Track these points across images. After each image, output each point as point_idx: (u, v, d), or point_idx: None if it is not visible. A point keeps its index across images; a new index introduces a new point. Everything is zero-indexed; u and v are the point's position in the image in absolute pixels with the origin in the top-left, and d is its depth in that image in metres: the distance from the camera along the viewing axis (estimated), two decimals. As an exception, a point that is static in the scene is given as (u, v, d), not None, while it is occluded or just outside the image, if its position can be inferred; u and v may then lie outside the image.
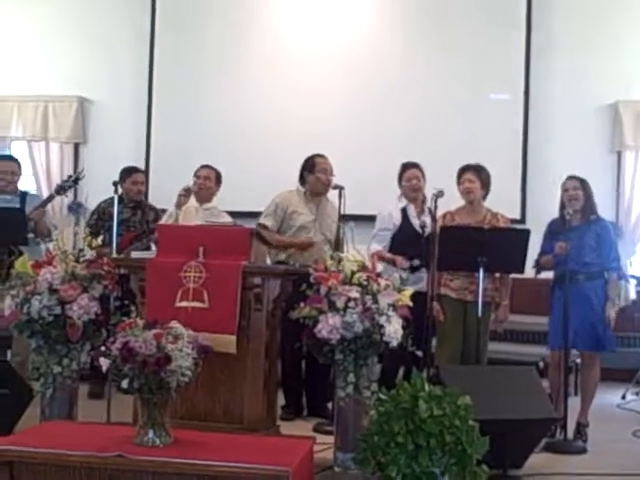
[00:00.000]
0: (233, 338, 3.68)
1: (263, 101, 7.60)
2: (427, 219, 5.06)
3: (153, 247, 4.13)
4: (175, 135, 7.76)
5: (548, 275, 5.00)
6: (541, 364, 5.61)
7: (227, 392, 3.79)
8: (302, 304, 3.70)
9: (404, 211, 5.15)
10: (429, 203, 4.83)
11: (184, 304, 3.70)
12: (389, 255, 5.02)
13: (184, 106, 7.81)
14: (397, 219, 5.13)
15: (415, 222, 5.09)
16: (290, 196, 5.25)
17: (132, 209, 5.74)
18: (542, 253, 4.90)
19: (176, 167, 6.95)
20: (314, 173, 5.17)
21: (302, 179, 5.26)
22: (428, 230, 4.95)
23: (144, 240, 5.37)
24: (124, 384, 3.06)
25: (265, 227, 5.07)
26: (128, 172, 5.83)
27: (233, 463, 2.94)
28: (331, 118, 7.42)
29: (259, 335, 3.81)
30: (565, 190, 4.86)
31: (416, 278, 4.87)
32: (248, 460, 2.97)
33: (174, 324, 3.21)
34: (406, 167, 5.23)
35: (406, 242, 4.99)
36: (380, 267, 4.02)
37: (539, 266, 4.91)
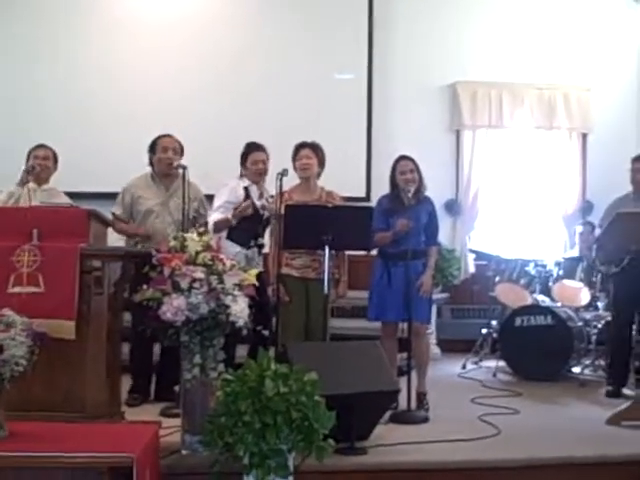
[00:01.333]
0: (72, 323, 3.55)
1: (103, 80, 7.30)
2: (265, 202, 5.08)
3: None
4: (6, 113, 7.29)
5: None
6: (386, 338, 5.74)
7: (67, 380, 3.65)
8: (145, 286, 3.63)
9: (246, 190, 5.07)
10: (276, 182, 4.77)
11: (17, 290, 3.53)
12: (229, 215, 4.89)
13: (15, 83, 7.33)
14: (241, 195, 5.04)
15: (257, 203, 5.06)
16: (137, 181, 5.11)
17: None
18: (375, 230, 4.92)
19: (8, 147, 6.51)
20: (156, 153, 5.04)
21: (150, 161, 5.13)
22: (267, 213, 4.97)
23: None
24: (-48, 377, 2.88)
25: (116, 216, 4.96)
26: None
27: (73, 453, 2.84)
28: (173, 97, 7.25)
29: (100, 319, 3.69)
30: (401, 173, 4.94)
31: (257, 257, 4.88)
32: (89, 449, 2.89)
33: (6, 311, 3.07)
34: (251, 149, 5.13)
35: (247, 219, 4.91)
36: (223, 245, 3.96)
37: (373, 243, 4.98)
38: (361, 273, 5.91)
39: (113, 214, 4.95)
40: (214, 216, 4.96)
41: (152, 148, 5.08)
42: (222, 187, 5.10)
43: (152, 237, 4.83)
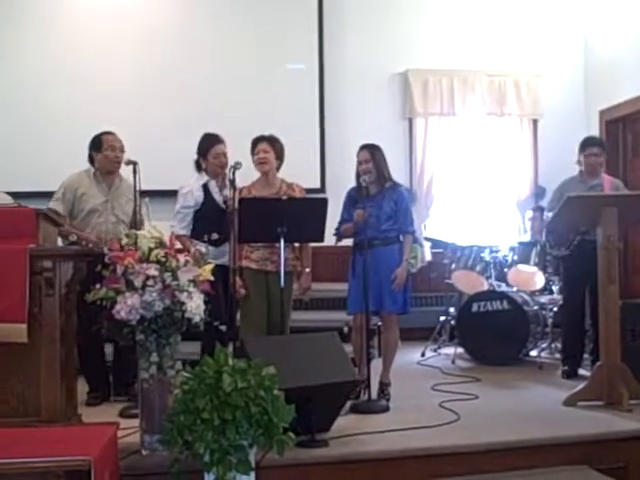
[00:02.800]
0: (23, 327, 3.46)
1: (37, 76, 7.14)
2: (229, 193, 5.03)
3: None
4: None
5: (348, 243, 5.08)
6: (345, 329, 5.75)
7: (21, 384, 3.57)
8: (98, 285, 3.57)
9: (205, 187, 5.02)
10: (229, 176, 4.74)
11: (-35, 294, 3.44)
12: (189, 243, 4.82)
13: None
14: (199, 196, 4.98)
15: (218, 198, 5.01)
16: (79, 178, 4.99)
17: None
18: (343, 221, 4.97)
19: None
20: (101, 151, 4.95)
21: (91, 159, 5.02)
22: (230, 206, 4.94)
23: None
24: None
25: (55, 212, 4.80)
26: None
27: (28, 458, 2.78)
28: (116, 91, 7.12)
29: (52, 321, 3.61)
30: (359, 163, 4.95)
31: (219, 252, 4.83)
32: (45, 453, 2.84)
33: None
34: (213, 141, 5.06)
35: (210, 218, 4.88)
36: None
37: (339, 234, 4.99)
38: (320, 265, 5.92)
39: (52, 210, 4.67)
40: (176, 227, 4.90)
41: (96, 145, 4.97)
42: (180, 190, 5.04)
43: (98, 241, 4.73)
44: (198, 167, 5.10)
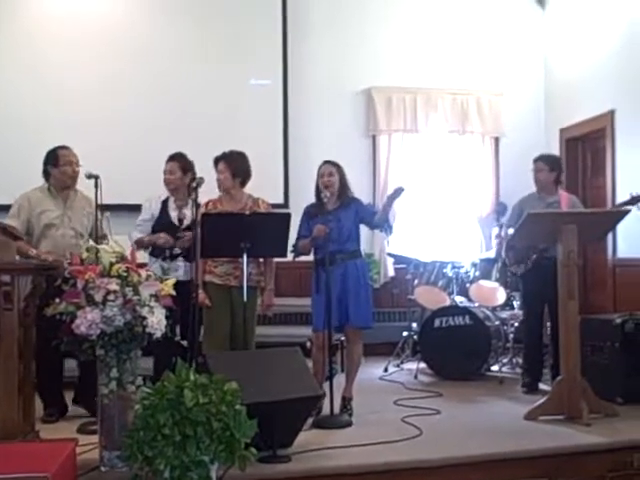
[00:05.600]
0: (-19, 341, 3.42)
1: (11, 87, 7.09)
2: (188, 212, 5.00)
3: None
4: None
5: (310, 258, 5.07)
6: (308, 344, 5.72)
7: (-24, 400, 3.51)
8: (58, 300, 3.54)
9: (164, 203, 5.04)
10: (190, 192, 4.73)
11: None
12: (148, 238, 4.96)
13: None
14: (156, 210, 5.02)
15: (173, 214, 5.02)
16: (33, 194, 4.89)
17: None
18: (300, 237, 4.96)
19: None
20: (59, 167, 4.85)
21: (46, 173, 4.91)
22: (187, 222, 4.93)
23: None
24: None
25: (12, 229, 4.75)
26: None
27: (-17, 476, 2.73)
28: (87, 106, 7.06)
29: (10, 336, 3.56)
30: (321, 176, 4.97)
31: (172, 267, 4.81)
32: (2, 470, 2.79)
33: None
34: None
35: (164, 231, 4.93)
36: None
37: (296, 251, 4.97)
38: (283, 280, 5.92)
39: (8, 227, 4.65)
40: (133, 234, 4.97)
41: (53, 160, 4.87)
42: (144, 203, 5.08)
43: (52, 253, 4.62)
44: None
